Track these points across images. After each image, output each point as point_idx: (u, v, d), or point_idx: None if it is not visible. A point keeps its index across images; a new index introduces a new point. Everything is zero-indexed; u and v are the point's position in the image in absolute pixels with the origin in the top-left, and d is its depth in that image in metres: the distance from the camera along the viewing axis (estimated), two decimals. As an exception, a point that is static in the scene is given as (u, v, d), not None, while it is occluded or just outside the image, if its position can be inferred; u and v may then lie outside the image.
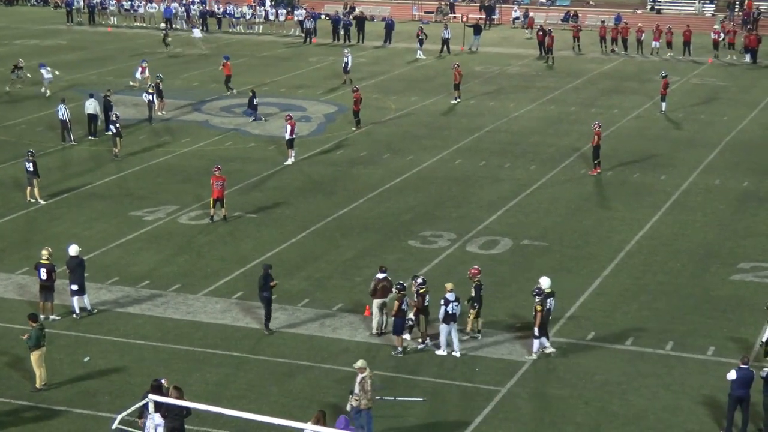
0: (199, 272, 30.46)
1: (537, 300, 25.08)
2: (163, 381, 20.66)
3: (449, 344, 25.51)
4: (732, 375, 21.91)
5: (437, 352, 25.46)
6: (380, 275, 26.33)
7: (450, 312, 25.23)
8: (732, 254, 32.20)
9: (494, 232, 33.97)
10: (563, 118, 49.88)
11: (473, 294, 26.09)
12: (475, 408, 22.97)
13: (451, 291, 25.43)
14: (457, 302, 25.36)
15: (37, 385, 23.51)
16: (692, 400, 23.40)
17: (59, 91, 52.33)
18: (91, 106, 44.83)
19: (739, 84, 58.64)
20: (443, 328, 25.43)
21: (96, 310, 27.64)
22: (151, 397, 19.68)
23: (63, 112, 43.62)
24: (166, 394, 20.16)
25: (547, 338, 25.44)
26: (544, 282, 25.59)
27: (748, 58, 65.26)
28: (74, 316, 27.29)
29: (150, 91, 48.31)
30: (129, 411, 19.96)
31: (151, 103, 47.98)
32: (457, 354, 25.37)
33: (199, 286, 29.40)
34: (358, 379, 21.49)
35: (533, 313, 25.09)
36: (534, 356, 25.22)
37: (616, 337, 26.30)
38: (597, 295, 29.12)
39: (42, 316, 25.86)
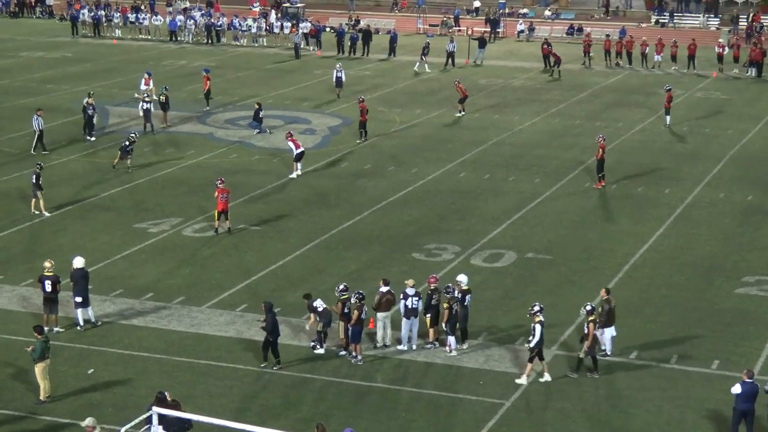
0: (204, 284, 30.47)
1: (446, 297, 25.73)
2: (166, 394, 20.67)
3: (410, 339, 26.01)
4: (737, 389, 21.86)
5: (399, 347, 26.07)
6: (384, 288, 26.35)
7: (410, 307, 25.74)
8: (736, 268, 32.16)
9: (498, 245, 33.96)
10: (568, 131, 49.88)
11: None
12: (479, 421, 22.94)
13: (412, 287, 25.96)
14: (417, 297, 25.83)
15: (41, 398, 23.51)
16: (696, 414, 23.36)
17: (61, 102, 52.40)
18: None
19: (744, 97, 58.62)
20: (404, 323, 25.96)
21: (100, 322, 27.65)
22: (155, 409, 19.68)
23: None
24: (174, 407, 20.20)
25: (455, 337, 25.83)
26: (463, 278, 26.22)
27: (752, 71, 65.26)
28: (78, 328, 27.30)
29: (147, 100, 48.18)
30: (133, 423, 19.96)
31: (147, 111, 47.64)
32: (414, 346, 25.97)
33: (204, 299, 29.41)
34: None
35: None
36: (454, 353, 25.79)
37: (620, 351, 26.24)
38: (601, 308, 29.05)
39: (46, 329, 25.86)
